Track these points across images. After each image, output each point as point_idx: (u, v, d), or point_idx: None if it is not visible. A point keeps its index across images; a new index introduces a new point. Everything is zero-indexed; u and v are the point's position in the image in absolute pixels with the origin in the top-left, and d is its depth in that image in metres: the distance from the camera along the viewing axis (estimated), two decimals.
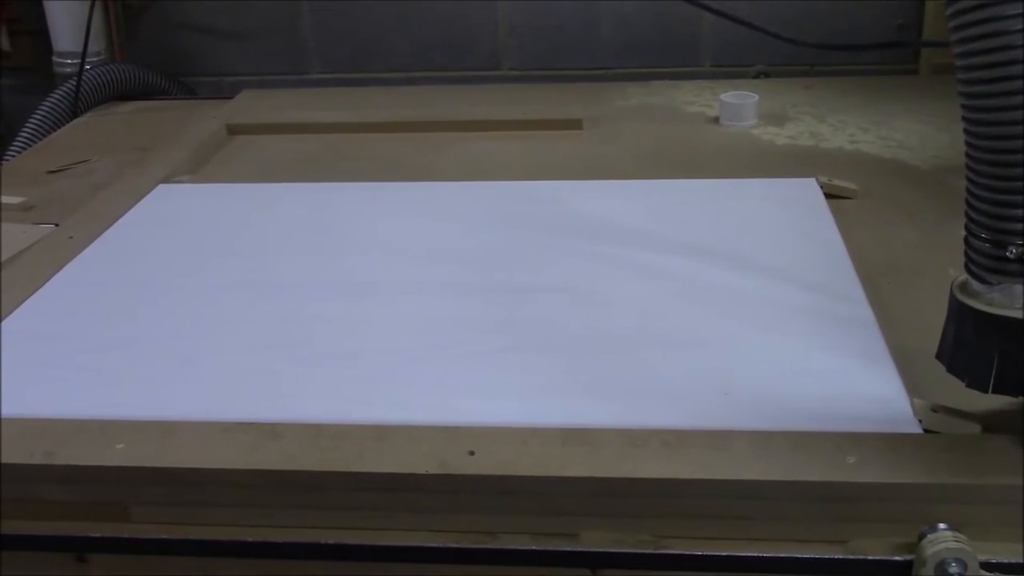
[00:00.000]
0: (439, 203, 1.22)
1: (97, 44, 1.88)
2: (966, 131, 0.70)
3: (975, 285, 0.72)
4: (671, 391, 0.83)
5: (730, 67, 1.83)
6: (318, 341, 0.93)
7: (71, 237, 1.18)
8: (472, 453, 0.76)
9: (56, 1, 1.85)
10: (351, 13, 1.92)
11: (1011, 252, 0.69)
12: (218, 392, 0.86)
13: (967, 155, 0.70)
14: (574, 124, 1.49)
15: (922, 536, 0.70)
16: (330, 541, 0.76)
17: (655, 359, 0.87)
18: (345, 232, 1.15)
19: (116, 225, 1.20)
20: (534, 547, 0.75)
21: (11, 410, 0.84)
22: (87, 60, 1.84)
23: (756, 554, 0.73)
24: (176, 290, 1.04)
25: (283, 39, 1.95)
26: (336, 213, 1.20)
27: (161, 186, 1.31)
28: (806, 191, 1.19)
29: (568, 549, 0.74)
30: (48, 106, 1.72)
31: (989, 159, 0.68)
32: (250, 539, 0.77)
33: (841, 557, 0.72)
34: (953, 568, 0.67)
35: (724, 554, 0.73)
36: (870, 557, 0.71)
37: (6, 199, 1.36)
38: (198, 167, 1.42)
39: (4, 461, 0.79)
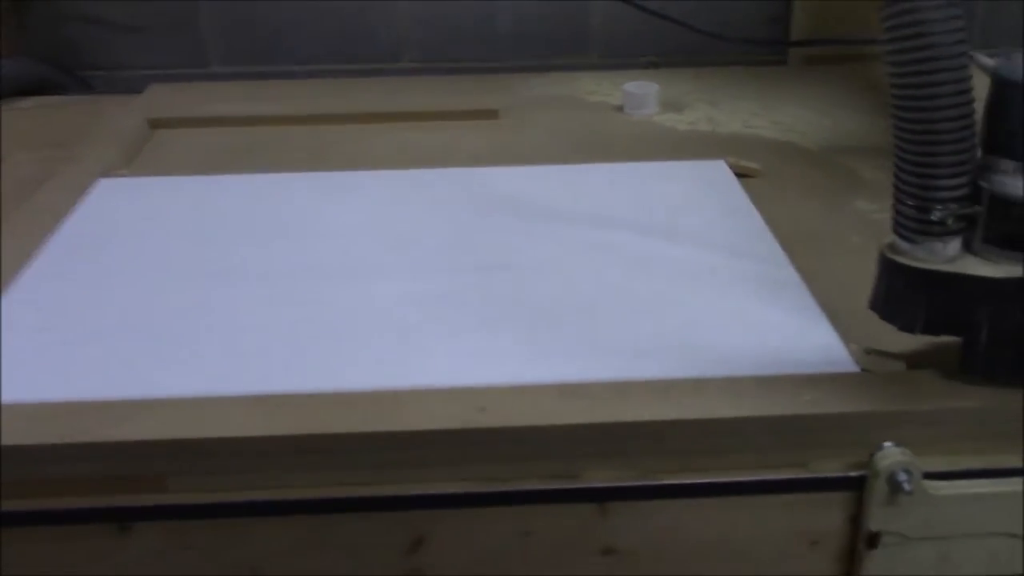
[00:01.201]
0: (383, 190, 1.29)
1: None
2: (894, 115, 0.83)
3: (903, 245, 0.86)
4: (640, 348, 0.95)
5: (618, 59, 1.96)
6: (309, 320, 1.00)
7: (25, 232, 1.20)
8: (483, 409, 0.86)
9: None
10: (249, 6, 1.96)
11: (934, 215, 0.83)
12: (226, 369, 0.93)
13: (895, 135, 0.84)
14: (491, 114, 1.59)
15: (873, 454, 0.84)
16: (363, 494, 0.84)
17: (619, 322, 0.99)
18: (303, 219, 1.22)
19: (70, 220, 1.23)
20: (545, 487, 0.85)
21: (33, 395, 0.88)
22: None
23: (733, 479, 0.85)
24: (154, 278, 1.09)
25: (180, 32, 1.97)
26: (289, 201, 1.27)
27: (102, 180, 1.34)
28: (717, 171, 1.33)
29: (577, 486, 0.85)
30: None
31: (916, 139, 0.81)
32: (282, 498, 0.85)
33: (804, 476, 0.85)
34: (902, 476, 0.81)
35: (708, 481, 0.85)
36: (829, 475, 0.85)
37: None
38: (130, 161, 1.45)
39: (40, 442, 0.83)
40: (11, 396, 0.88)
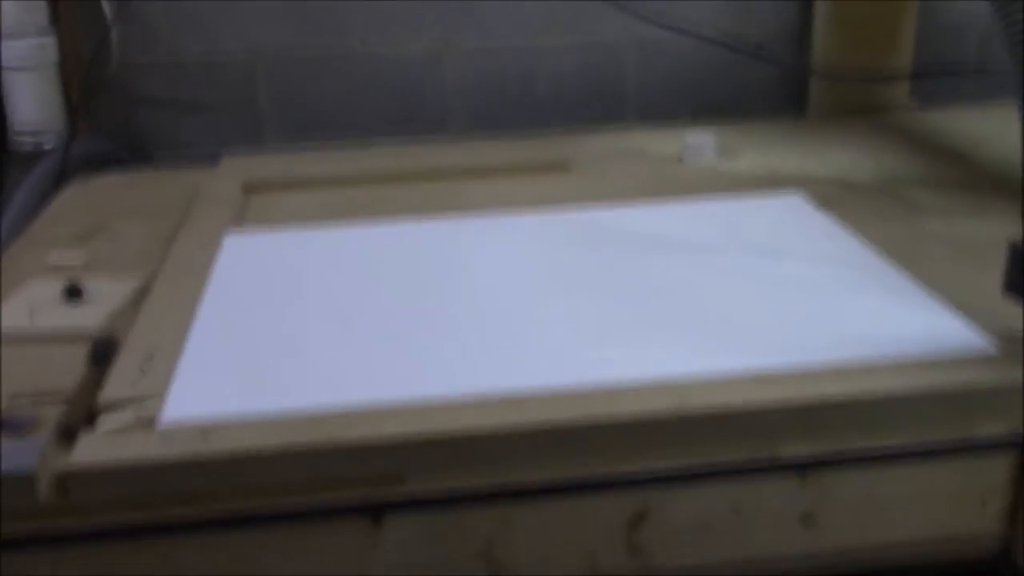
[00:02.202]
0: (503, 232, 1.40)
1: (59, 121, 1.94)
2: None
3: None
4: (808, 342, 1.06)
5: (651, 117, 2.11)
6: (507, 330, 1.10)
7: (181, 281, 1.28)
8: (686, 397, 0.96)
9: (18, 77, 1.89)
10: (301, 83, 2.07)
11: None
12: (449, 372, 1.02)
13: None
14: (562, 166, 1.71)
15: None
16: (590, 476, 0.93)
17: (779, 323, 1.11)
18: (446, 257, 1.31)
19: (217, 270, 1.31)
20: (749, 461, 0.95)
21: (277, 407, 0.96)
22: (47, 136, 1.91)
23: (911, 447, 0.97)
24: (329, 309, 1.18)
25: (238, 110, 2.07)
26: (421, 243, 1.36)
27: (230, 236, 1.42)
28: (798, 202, 1.47)
29: (778, 461, 0.95)
30: (32, 181, 1.77)
31: None
32: (514, 484, 0.93)
33: (974, 442, 0.97)
34: None
35: (892, 450, 0.97)
36: (995, 439, 0.97)
37: (66, 259, 1.42)
38: (240, 221, 1.53)
39: (289, 444, 0.91)
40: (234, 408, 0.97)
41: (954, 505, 0.98)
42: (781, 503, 0.96)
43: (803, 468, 0.96)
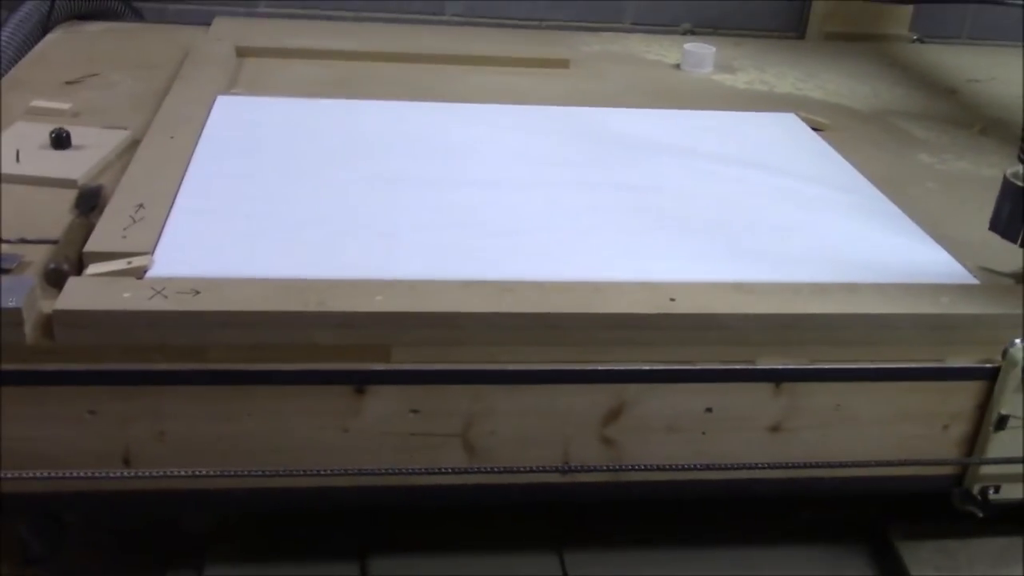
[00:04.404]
0: (505, 121, 1.39)
1: None
2: None
3: None
4: (794, 257, 1.08)
5: (647, 25, 2.09)
6: (490, 221, 1.10)
7: (172, 137, 1.26)
8: (673, 300, 0.98)
9: None
10: None
11: None
12: (434, 258, 1.02)
13: None
14: (562, 63, 1.69)
15: (1006, 349, 0.99)
16: (574, 367, 0.95)
17: (767, 236, 1.13)
18: (436, 139, 1.31)
19: (208, 129, 1.29)
20: (728, 367, 0.97)
21: (268, 271, 0.96)
22: None
23: (886, 366, 0.99)
24: (321, 183, 1.17)
25: None
26: (412, 124, 1.35)
27: (221, 97, 1.40)
28: (791, 122, 1.48)
29: (755, 368, 0.98)
30: (17, 21, 1.71)
31: None
32: (506, 367, 0.95)
33: (945, 367, 1.00)
34: None
35: (863, 367, 0.99)
36: (966, 365, 1.00)
37: (54, 104, 1.40)
38: (232, 84, 1.51)
39: (282, 309, 0.92)
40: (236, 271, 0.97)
41: (919, 426, 1.02)
42: (753, 410, 0.99)
43: (778, 378, 0.98)
